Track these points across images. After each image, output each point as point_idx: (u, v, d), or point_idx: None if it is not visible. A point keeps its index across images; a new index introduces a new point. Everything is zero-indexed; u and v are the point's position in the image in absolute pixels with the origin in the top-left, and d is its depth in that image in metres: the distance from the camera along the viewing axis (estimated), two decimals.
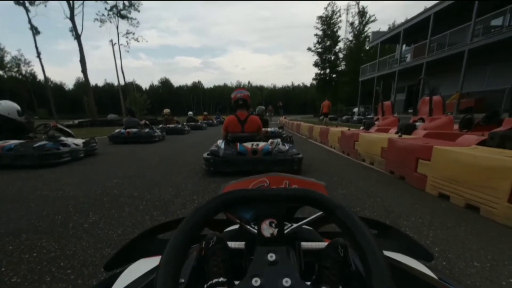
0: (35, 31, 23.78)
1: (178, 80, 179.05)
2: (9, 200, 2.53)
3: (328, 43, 35.72)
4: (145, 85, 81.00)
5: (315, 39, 36.14)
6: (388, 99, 13.37)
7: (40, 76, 46.54)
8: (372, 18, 33.83)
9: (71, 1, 23.22)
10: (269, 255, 0.40)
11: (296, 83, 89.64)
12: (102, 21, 28.71)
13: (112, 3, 29.68)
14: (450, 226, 1.94)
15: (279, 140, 3.91)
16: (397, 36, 18.01)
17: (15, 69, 40.25)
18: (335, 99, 33.81)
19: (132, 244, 0.69)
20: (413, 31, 16.81)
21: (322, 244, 0.51)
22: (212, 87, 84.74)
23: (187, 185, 3.08)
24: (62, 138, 4.85)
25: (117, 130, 8.10)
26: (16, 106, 4.54)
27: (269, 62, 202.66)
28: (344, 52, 36.53)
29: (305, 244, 0.52)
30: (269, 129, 7.41)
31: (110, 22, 29.29)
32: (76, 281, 1.28)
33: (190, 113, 16.40)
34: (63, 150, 4.51)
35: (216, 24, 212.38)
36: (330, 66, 36.50)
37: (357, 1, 36.27)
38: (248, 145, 3.61)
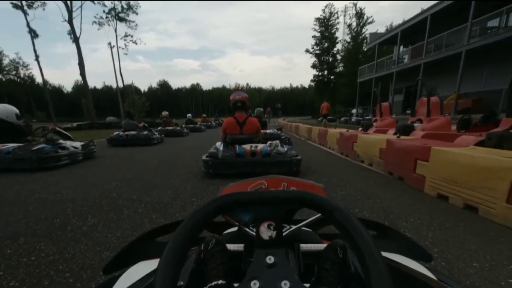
0: (33, 34, 23.77)
1: (177, 82, 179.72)
2: (7, 204, 2.52)
3: (326, 44, 35.88)
4: (143, 87, 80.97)
5: (313, 41, 36.38)
6: (386, 100, 13.42)
7: (39, 79, 46.31)
8: (370, 20, 34.07)
9: (69, 3, 23.26)
10: (267, 258, 0.40)
11: (294, 85, 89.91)
12: (100, 24, 28.79)
13: (110, 5, 29.75)
14: (449, 226, 1.94)
15: (277, 141, 3.91)
16: (395, 38, 18.09)
17: (13, 72, 40.08)
18: (333, 101, 33.85)
19: (131, 247, 0.69)
20: (410, 32, 16.90)
21: (321, 246, 0.51)
22: (210, 89, 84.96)
23: (186, 187, 3.07)
24: (61, 141, 4.83)
25: (115, 133, 8.08)
26: (14, 109, 4.53)
27: (267, 64, 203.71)
28: (342, 54, 36.71)
29: (304, 246, 0.52)
30: (267, 131, 7.40)
31: (109, 25, 29.38)
32: (75, 285, 1.27)
33: (189, 115, 16.42)
34: (62, 153, 4.50)
35: (214, 26, 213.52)
36: (328, 67, 36.62)
37: (354, 0, 36.29)
38: (247, 147, 3.61)
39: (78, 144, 5.14)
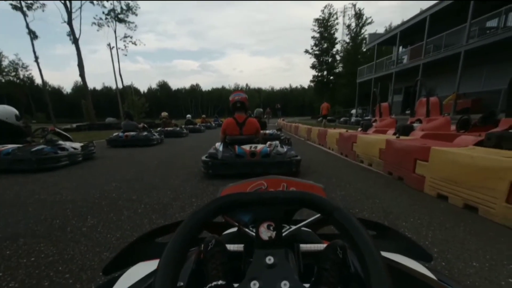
0: (33, 35, 23.82)
1: (176, 83, 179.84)
2: (6, 205, 2.52)
3: (325, 45, 35.89)
4: (143, 88, 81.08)
5: (312, 42, 36.52)
6: (386, 101, 13.38)
7: (38, 80, 46.58)
8: (369, 20, 34.10)
9: (68, 4, 23.27)
10: (267, 258, 0.40)
11: (294, 85, 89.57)
12: (100, 25, 28.86)
13: (109, 7, 29.80)
14: (449, 226, 1.94)
15: (277, 142, 3.91)
16: (394, 38, 18.12)
17: (13, 74, 40.14)
18: (333, 101, 33.84)
19: (131, 248, 0.69)
20: (409, 33, 16.93)
21: (321, 246, 0.51)
22: (210, 90, 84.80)
23: (186, 188, 3.07)
24: (60, 142, 4.83)
25: (115, 134, 8.08)
26: (14, 110, 4.53)
27: (267, 65, 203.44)
28: (341, 54, 36.73)
29: (304, 246, 0.52)
30: (267, 131, 7.41)
31: (108, 26, 29.45)
32: (75, 286, 1.27)
33: (188, 116, 16.42)
34: (61, 154, 4.50)
35: (213, 27, 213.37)
36: (328, 68, 36.64)
37: (354, 0, 36.35)
38: (246, 147, 3.61)
39: (77, 145, 5.14)
